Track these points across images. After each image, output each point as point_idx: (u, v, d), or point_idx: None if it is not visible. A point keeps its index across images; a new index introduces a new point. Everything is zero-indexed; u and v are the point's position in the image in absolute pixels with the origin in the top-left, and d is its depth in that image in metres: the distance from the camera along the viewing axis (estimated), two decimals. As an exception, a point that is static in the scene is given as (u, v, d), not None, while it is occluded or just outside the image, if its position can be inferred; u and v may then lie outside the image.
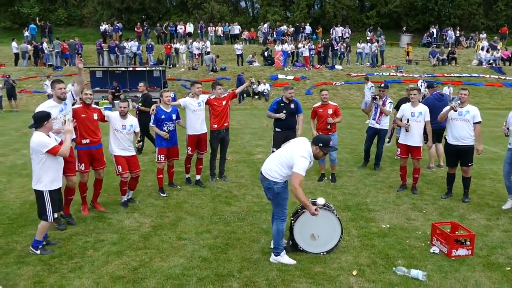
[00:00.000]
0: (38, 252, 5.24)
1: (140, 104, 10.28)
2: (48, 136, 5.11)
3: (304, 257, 5.08)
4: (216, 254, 5.17)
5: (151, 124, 7.41)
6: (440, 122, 7.47)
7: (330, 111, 8.12)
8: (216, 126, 7.94)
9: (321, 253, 5.17)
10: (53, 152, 4.98)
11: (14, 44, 27.24)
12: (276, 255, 4.98)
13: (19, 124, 16.58)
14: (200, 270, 4.79)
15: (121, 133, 6.74)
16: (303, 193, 4.74)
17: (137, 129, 6.99)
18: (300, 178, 4.65)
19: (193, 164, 8.15)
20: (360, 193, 7.57)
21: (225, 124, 8.04)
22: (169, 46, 26.58)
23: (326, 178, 8.44)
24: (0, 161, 10.18)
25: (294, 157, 4.70)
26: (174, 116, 7.48)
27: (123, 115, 6.76)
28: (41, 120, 5.04)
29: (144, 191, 7.70)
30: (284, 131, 7.94)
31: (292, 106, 7.96)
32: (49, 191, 5.13)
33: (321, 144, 4.83)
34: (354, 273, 4.71)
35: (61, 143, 5.27)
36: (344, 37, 30.76)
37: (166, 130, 7.39)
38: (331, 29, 32.16)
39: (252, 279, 4.58)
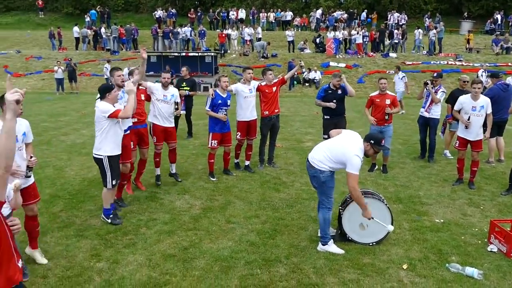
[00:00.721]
0: (109, 221, 5.55)
1: (188, 89, 10.40)
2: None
3: (353, 247, 5.01)
4: (264, 239, 5.21)
5: (206, 108, 7.40)
6: (502, 114, 7.05)
7: (387, 101, 7.88)
8: (267, 112, 7.93)
9: (370, 244, 5.07)
10: (114, 115, 5.18)
11: (75, 29, 28.55)
12: (323, 244, 4.95)
13: (79, 105, 17.42)
14: (248, 254, 4.85)
15: (162, 102, 6.95)
16: (361, 195, 4.70)
17: (178, 99, 7.26)
18: (356, 178, 4.60)
19: (243, 150, 8.22)
20: (412, 186, 7.34)
21: (276, 111, 8.02)
22: (223, 35, 26.55)
23: (377, 167, 8.25)
24: (61, 140, 10.75)
25: (348, 155, 4.60)
26: (229, 102, 7.51)
27: (166, 85, 6.98)
28: (104, 91, 5.33)
29: (195, 174, 7.87)
30: (334, 118, 7.87)
31: (340, 92, 7.84)
32: (108, 157, 5.37)
33: (372, 141, 4.72)
34: (405, 267, 4.60)
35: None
36: (400, 23, 29.63)
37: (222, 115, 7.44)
38: (387, 15, 31.07)
39: (299, 266, 4.59)
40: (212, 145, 7.50)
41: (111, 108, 5.24)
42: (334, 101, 7.81)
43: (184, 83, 10.44)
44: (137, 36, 28.69)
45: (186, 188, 7.09)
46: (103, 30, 28.54)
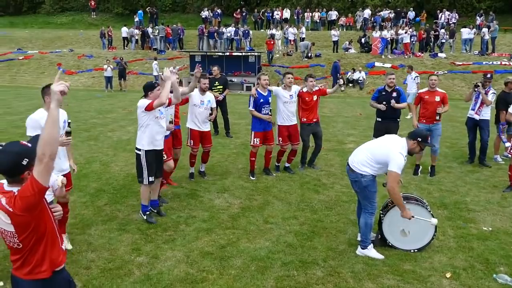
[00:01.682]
0: (145, 217, 5.66)
1: (222, 87, 10.50)
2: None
3: (393, 253, 4.88)
4: (302, 241, 5.17)
5: (250, 108, 7.40)
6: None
7: (437, 99, 7.65)
8: (305, 119, 7.87)
9: (412, 251, 4.91)
10: (150, 106, 5.26)
11: (124, 29, 29.53)
12: (363, 248, 4.84)
13: (126, 102, 17.98)
14: (285, 255, 4.83)
15: (199, 108, 7.07)
16: (400, 196, 4.56)
17: (214, 105, 7.36)
18: (397, 177, 4.47)
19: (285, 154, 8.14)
20: (459, 191, 7.04)
21: (314, 120, 7.91)
22: (272, 42, 25.92)
23: (421, 169, 7.99)
24: (108, 136, 11.14)
25: (391, 154, 4.48)
26: (270, 99, 7.50)
27: (203, 90, 7.09)
28: (147, 89, 5.51)
29: (234, 173, 7.92)
30: (385, 121, 7.67)
31: (394, 94, 7.62)
32: (145, 151, 5.47)
33: (419, 139, 4.57)
34: (448, 275, 4.42)
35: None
36: (450, 22, 28.52)
37: (265, 113, 7.42)
38: (437, 13, 29.97)
39: (336, 270, 4.51)
40: (255, 143, 7.50)
41: (146, 102, 5.35)
42: (384, 103, 7.60)
43: (217, 82, 10.59)
44: (183, 36, 29.27)
45: (226, 187, 7.15)
46: (150, 30, 29.33)
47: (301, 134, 7.97)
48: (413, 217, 4.66)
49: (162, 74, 5.40)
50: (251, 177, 7.60)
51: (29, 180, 2.36)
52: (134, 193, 6.75)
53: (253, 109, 7.36)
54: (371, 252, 4.81)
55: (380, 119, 7.76)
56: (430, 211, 4.94)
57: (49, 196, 3.89)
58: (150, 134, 5.48)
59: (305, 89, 7.82)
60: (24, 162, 2.46)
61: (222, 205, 6.35)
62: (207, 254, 4.84)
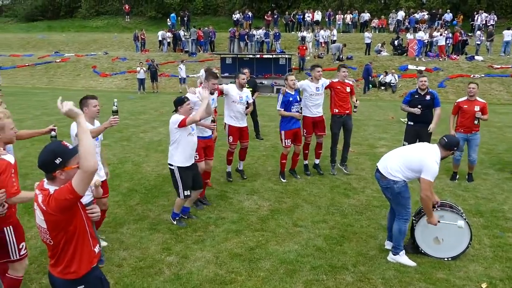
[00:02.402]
0: (175, 222, 5.71)
1: (251, 89, 10.52)
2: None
3: (426, 261, 4.75)
4: (331, 245, 5.11)
5: (278, 107, 7.41)
6: None
7: (476, 108, 7.40)
8: (337, 110, 7.75)
9: (445, 259, 4.77)
10: (182, 123, 5.24)
11: (161, 32, 30.25)
12: (394, 254, 4.74)
13: (158, 104, 18.29)
14: (314, 258, 4.78)
15: (238, 103, 7.13)
16: (431, 204, 4.51)
17: (250, 100, 7.41)
18: (431, 185, 4.42)
19: (312, 150, 8.13)
20: (496, 199, 6.80)
21: (347, 112, 7.78)
22: (304, 47, 25.44)
23: (458, 177, 7.77)
24: (140, 137, 11.36)
25: (425, 161, 4.41)
26: (298, 98, 7.50)
27: (242, 86, 7.15)
28: (176, 104, 5.43)
29: (264, 175, 7.92)
30: (417, 125, 7.47)
31: (428, 98, 7.40)
32: (178, 168, 5.47)
33: (455, 148, 4.52)
34: (484, 285, 4.27)
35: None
36: (489, 24, 27.61)
37: (295, 111, 7.39)
38: (475, 15, 29.10)
39: (366, 276, 4.44)
40: (286, 144, 7.48)
41: (180, 117, 5.31)
42: (419, 106, 7.38)
43: (247, 84, 10.61)
44: (214, 38, 29.58)
45: (255, 189, 7.15)
46: (182, 32, 29.77)
47: (331, 127, 7.89)
48: (439, 222, 4.59)
49: (189, 88, 5.55)
50: (281, 179, 7.59)
51: (67, 185, 2.45)
52: (165, 194, 6.85)
53: (281, 109, 7.36)
54: (403, 258, 4.70)
55: (412, 123, 7.58)
56: (465, 219, 4.78)
57: (87, 197, 4.10)
58: (183, 150, 5.43)
59: (336, 80, 7.80)
60: (57, 161, 2.54)
61: (252, 207, 6.35)
62: (236, 255, 4.85)
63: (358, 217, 5.99)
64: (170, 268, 4.59)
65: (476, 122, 7.44)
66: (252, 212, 6.15)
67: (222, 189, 7.14)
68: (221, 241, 5.22)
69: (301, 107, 7.50)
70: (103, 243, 5.01)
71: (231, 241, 5.21)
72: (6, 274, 3.63)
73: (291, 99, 7.35)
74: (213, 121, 6.41)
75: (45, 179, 2.65)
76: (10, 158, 3.45)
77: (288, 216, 6.02)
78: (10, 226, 3.54)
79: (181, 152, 5.45)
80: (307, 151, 8.06)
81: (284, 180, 7.55)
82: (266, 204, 6.47)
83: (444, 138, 4.65)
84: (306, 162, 8.14)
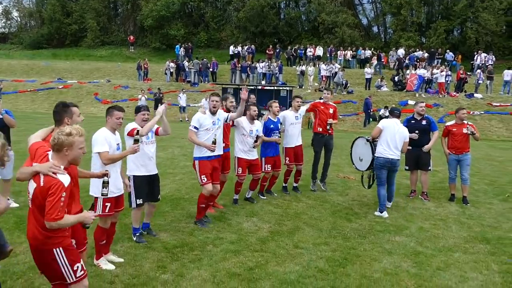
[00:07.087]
0: (135, 238, 5.51)
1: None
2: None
3: (433, 285, 4.54)
4: (334, 267, 4.90)
5: (259, 133, 7.32)
6: None
7: (465, 130, 7.64)
8: (320, 129, 8.01)
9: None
10: (131, 133, 5.16)
11: (168, 63, 30.62)
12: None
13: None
14: (316, 280, 4.57)
15: (248, 137, 7.01)
16: None
17: (261, 133, 7.29)
18: None
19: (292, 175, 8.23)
20: (502, 227, 6.62)
21: (329, 132, 8.02)
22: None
23: (456, 198, 7.90)
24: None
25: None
26: (279, 126, 7.71)
27: (252, 119, 7.02)
28: (135, 111, 5.48)
29: (263, 199, 7.75)
30: (415, 149, 7.70)
31: (424, 122, 7.72)
32: (133, 176, 5.35)
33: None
34: (495, 311, 4.05)
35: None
36: (487, 64, 28.04)
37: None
38: (474, 55, 29.66)
39: (371, 298, 4.22)
40: (266, 169, 7.58)
41: (131, 126, 5.23)
42: (417, 131, 7.58)
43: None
44: (216, 70, 29.96)
45: (255, 211, 6.97)
46: (186, 63, 30.22)
47: (313, 145, 8.20)
48: None
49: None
50: (261, 197, 7.74)
51: None
52: (161, 213, 6.66)
53: (262, 135, 7.37)
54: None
55: (410, 147, 7.58)
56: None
57: (114, 193, 4.60)
58: (134, 158, 5.27)
59: (321, 100, 8.15)
60: None
61: (251, 228, 6.15)
62: (234, 275, 4.64)
63: (361, 241, 5.79)
64: (164, 286, 4.37)
65: (468, 132, 7.55)
66: (252, 233, 5.95)
67: (221, 211, 6.95)
68: (219, 260, 5.01)
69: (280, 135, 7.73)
70: (118, 259, 4.93)
71: (230, 261, 5.00)
72: None
73: (272, 126, 7.55)
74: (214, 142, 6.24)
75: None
76: (65, 179, 3.16)
77: (288, 238, 5.81)
78: (60, 248, 3.23)
79: (133, 160, 5.32)
80: (288, 177, 8.19)
81: (264, 198, 7.73)
82: (266, 226, 6.27)
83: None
84: (285, 184, 8.25)
